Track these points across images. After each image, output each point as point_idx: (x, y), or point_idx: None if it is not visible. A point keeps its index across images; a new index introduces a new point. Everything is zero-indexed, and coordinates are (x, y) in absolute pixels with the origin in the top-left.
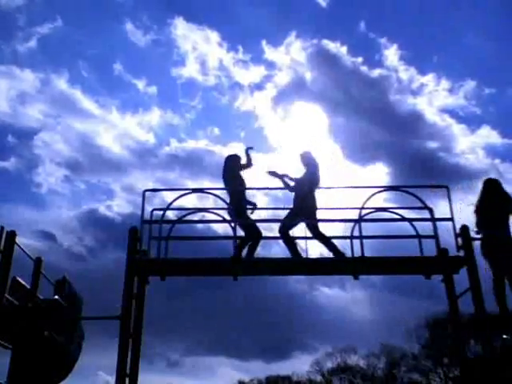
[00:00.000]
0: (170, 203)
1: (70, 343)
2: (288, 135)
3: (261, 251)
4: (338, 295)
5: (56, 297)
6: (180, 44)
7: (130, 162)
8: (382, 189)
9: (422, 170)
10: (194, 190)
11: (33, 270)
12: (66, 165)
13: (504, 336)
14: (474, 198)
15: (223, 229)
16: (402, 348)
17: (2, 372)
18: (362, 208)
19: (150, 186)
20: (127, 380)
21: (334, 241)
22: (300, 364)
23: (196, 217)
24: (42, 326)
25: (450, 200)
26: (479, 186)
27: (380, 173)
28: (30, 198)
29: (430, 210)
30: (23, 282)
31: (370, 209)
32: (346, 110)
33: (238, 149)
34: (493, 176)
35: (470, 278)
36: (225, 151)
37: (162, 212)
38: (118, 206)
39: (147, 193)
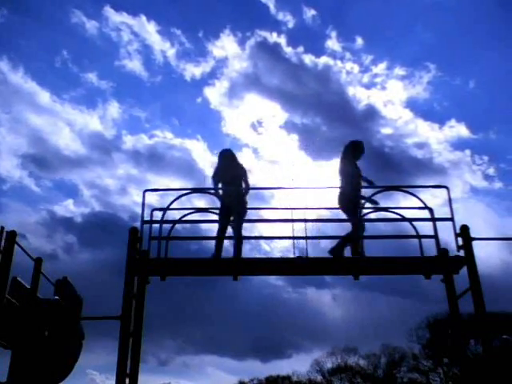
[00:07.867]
0: (171, 203)
1: (70, 343)
2: (245, 129)
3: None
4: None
5: (56, 297)
6: (121, 35)
7: (91, 158)
8: (380, 189)
9: (386, 165)
10: (195, 190)
11: (33, 270)
12: (26, 162)
13: (504, 336)
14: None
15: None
16: (403, 348)
17: (2, 372)
18: (362, 208)
19: (112, 182)
20: (127, 380)
21: (332, 241)
22: (295, 363)
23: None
24: (42, 326)
25: (450, 200)
26: (450, 180)
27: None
28: None
29: (431, 210)
30: (23, 282)
31: (370, 209)
32: (300, 103)
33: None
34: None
35: (470, 278)
36: (188, 145)
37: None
38: (81, 204)
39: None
